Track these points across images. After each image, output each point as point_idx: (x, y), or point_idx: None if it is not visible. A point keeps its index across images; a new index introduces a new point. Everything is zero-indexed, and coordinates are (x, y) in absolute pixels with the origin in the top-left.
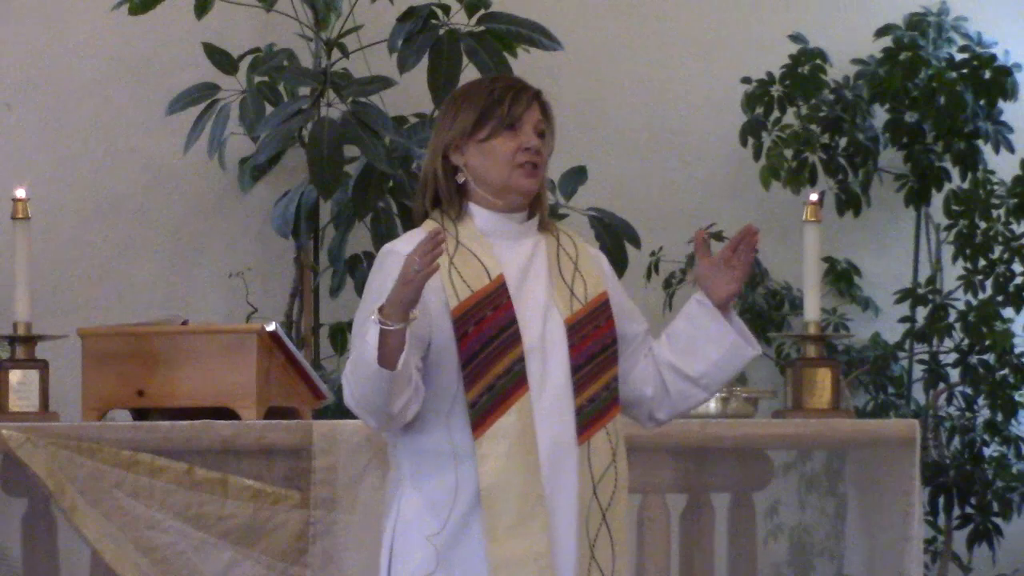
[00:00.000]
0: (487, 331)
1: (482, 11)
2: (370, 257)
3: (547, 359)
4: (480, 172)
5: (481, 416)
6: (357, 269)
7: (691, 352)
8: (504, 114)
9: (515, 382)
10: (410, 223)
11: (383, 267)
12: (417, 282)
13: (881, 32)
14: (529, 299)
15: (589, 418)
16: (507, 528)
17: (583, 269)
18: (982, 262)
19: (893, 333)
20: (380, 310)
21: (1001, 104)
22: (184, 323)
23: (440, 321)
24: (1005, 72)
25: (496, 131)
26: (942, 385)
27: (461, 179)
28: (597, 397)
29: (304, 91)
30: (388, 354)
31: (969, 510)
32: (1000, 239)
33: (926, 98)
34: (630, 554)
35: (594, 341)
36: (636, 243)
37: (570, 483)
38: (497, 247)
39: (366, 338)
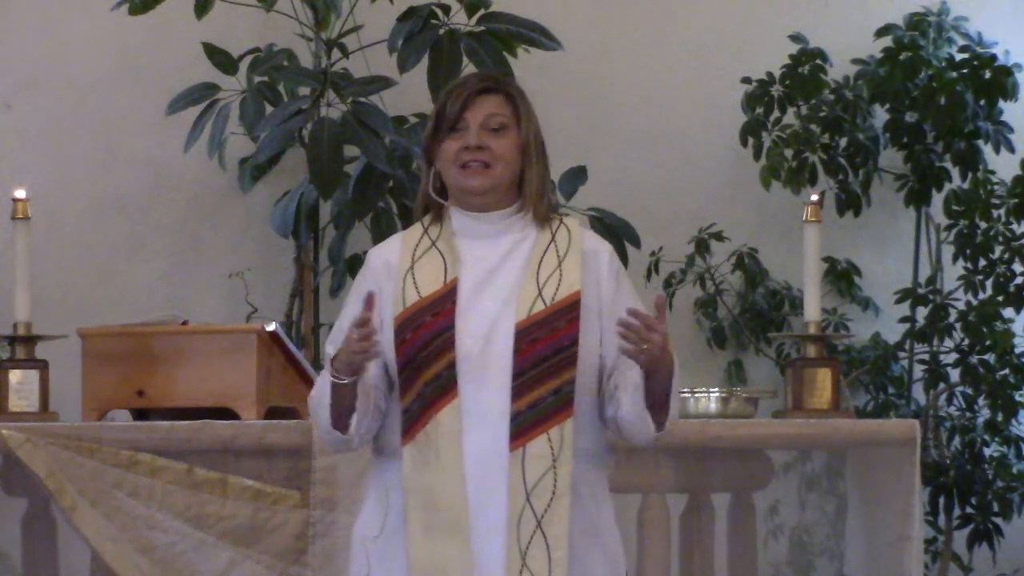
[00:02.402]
0: (422, 337)
1: (482, 11)
2: None
3: (487, 365)
4: (442, 175)
5: (410, 423)
6: (357, 269)
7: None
8: (447, 115)
9: (443, 389)
10: (410, 223)
11: (360, 273)
12: (358, 359)
13: (881, 32)
14: (485, 302)
15: (525, 424)
16: (427, 534)
17: (566, 267)
18: (982, 262)
19: (893, 333)
20: (333, 360)
21: (1001, 104)
22: (184, 323)
23: (388, 328)
24: (1005, 72)
25: (446, 134)
26: (942, 385)
27: (437, 183)
28: (540, 402)
29: (304, 91)
30: (341, 400)
31: (969, 510)
32: (1000, 239)
33: (926, 98)
34: (606, 556)
35: (546, 345)
36: (636, 243)
37: (499, 491)
38: (467, 248)
39: (322, 386)
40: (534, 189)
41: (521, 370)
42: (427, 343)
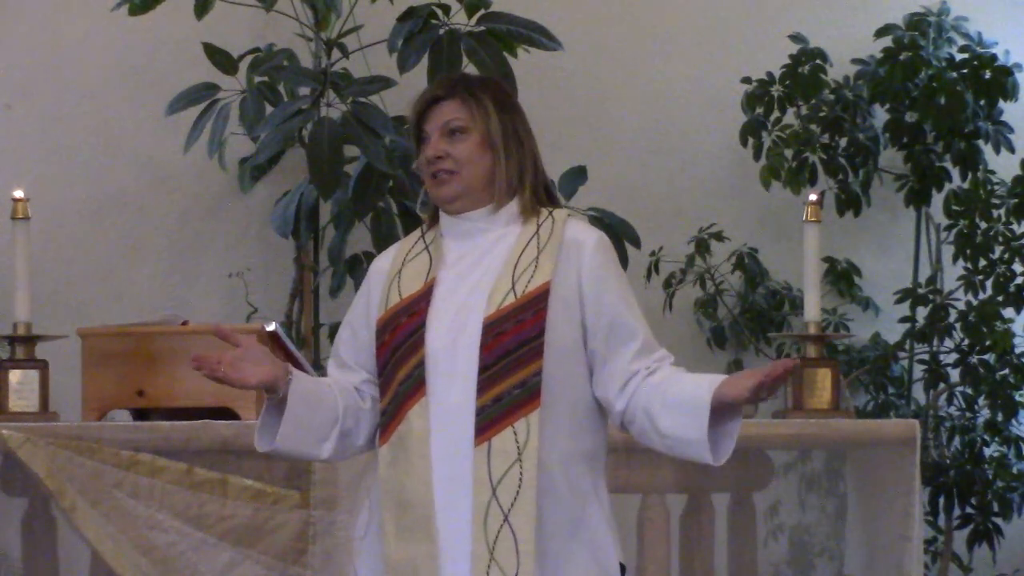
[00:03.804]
0: (397, 338)
1: (482, 11)
2: (370, 257)
3: (455, 362)
4: None
5: (386, 423)
6: (357, 269)
7: (668, 413)
8: (413, 128)
9: (413, 388)
10: (410, 223)
11: (363, 282)
12: (230, 386)
13: (881, 32)
14: (457, 300)
15: (491, 419)
16: (399, 533)
17: (543, 258)
18: (982, 262)
19: (893, 333)
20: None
21: (1001, 104)
22: (184, 323)
23: (372, 331)
24: (1005, 72)
25: (418, 145)
26: (942, 385)
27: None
28: (506, 395)
29: (304, 91)
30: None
31: (969, 510)
32: (1000, 239)
33: (926, 98)
34: (594, 553)
35: (511, 337)
36: (636, 243)
37: (466, 486)
38: (450, 247)
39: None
40: (508, 182)
41: (486, 364)
42: (401, 343)
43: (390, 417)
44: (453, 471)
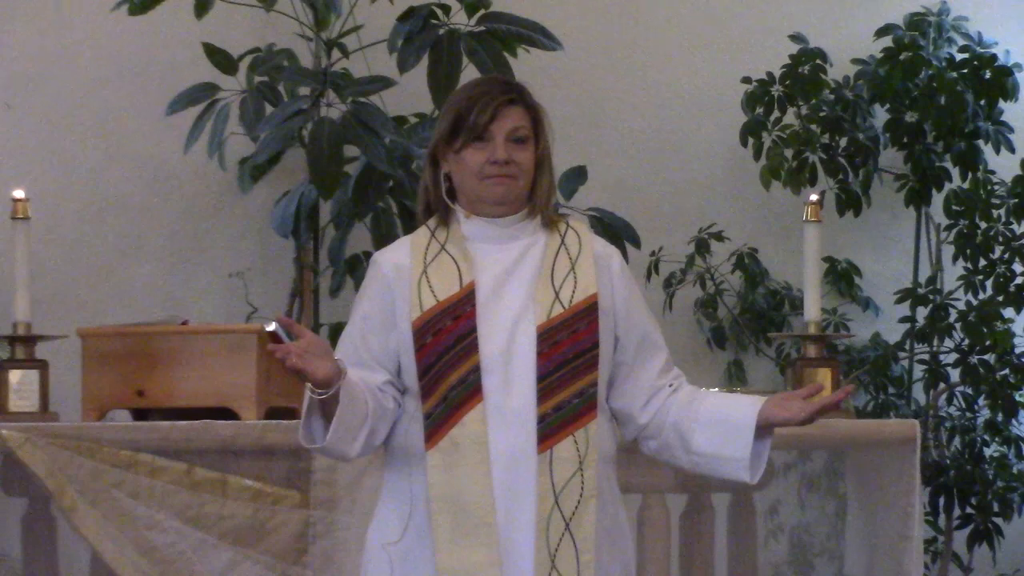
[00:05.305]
0: (444, 342)
1: (482, 11)
2: (370, 257)
3: (511, 367)
4: (456, 181)
5: (434, 428)
6: (357, 269)
7: (704, 431)
8: (470, 125)
9: (468, 393)
10: (410, 223)
11: (369, 275)
12: (300, 378)
13: (881, 32)
14: (503, 305)
15: (552, 427)
16: (454, 538)
17: (580, 269)
18: (982, 262)
19: (893, 333)
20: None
21: (1001, 104)
22: (184, 323)
23: (404, 331)
24: (1005, 72)
25: (466, 142)
26: (942, 385)
27: (445, 186)
28: (566, 404)
29: (304, 91)
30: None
31: (969, 510)
32: (1000, 239)
33: (926, 98)
34: (622, 557)
35: (568, 347)
36: (636, 243)
37: (528, 493)
38: (479, 251)
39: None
40: (544, 196)
41: (545, 372)
42: (450, 347)
43: (440, 421)
44: (513, 477)
